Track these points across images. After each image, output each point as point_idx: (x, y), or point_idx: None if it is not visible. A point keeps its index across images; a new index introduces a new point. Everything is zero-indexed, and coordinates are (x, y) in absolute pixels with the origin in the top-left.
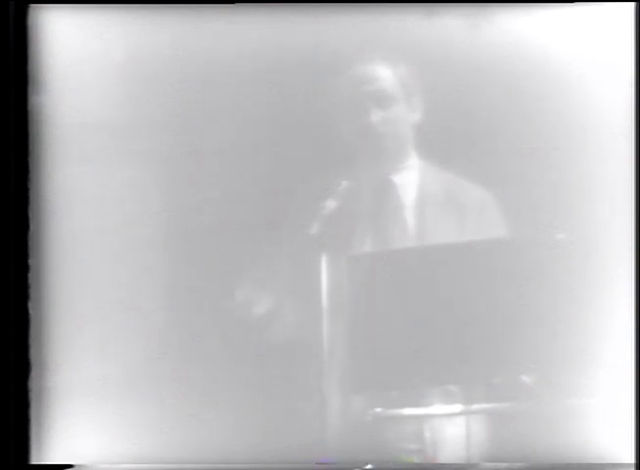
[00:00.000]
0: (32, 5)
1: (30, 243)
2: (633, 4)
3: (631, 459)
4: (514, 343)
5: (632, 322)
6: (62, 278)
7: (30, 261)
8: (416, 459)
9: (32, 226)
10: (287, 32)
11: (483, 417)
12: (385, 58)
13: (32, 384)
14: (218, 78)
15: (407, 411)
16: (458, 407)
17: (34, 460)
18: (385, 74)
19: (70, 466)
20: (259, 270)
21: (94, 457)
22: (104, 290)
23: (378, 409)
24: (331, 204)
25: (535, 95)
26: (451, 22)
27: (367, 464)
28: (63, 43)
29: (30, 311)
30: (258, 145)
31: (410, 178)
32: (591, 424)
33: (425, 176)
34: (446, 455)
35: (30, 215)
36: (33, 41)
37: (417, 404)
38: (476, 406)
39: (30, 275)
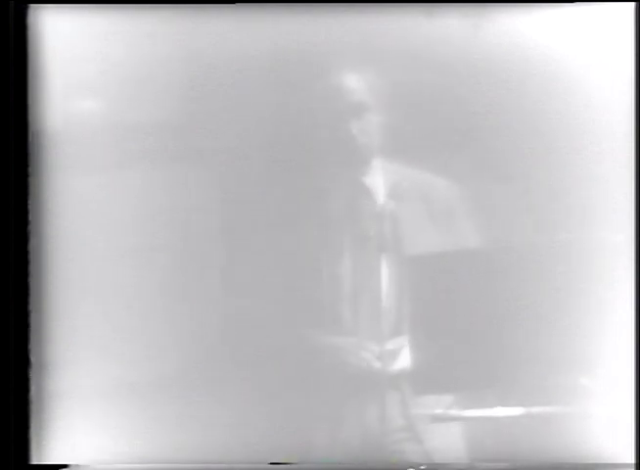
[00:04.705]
0: (32, 5)
1: (31, 242)
2: (633, 4)
3: (631, 459)
4: (513, 344)
5: (632, 322)
6: (63, 278)
7: (30, 260)
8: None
9: (33, 226)
10: (287, 32)
11: (482, 418)
12: (385, 58)
13: (32, 384)
14: (220, 78)
15: (403, 412)
16: (457, 409)
17: (34, 460)
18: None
19: (72, 467)
20: (263, 270)
21: (94, 457)
22: (105, 290)
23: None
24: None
25: (535, 95)
26: (451, 22)
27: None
28: (63, 43)
29: (31, 311)
30: (261, 145)
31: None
32: (591, 424)
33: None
34: (442, 456)
35: (30, 215)
36: (33, 41)
37: (413, 406)
38: (474, 408)
39: (31, 274)
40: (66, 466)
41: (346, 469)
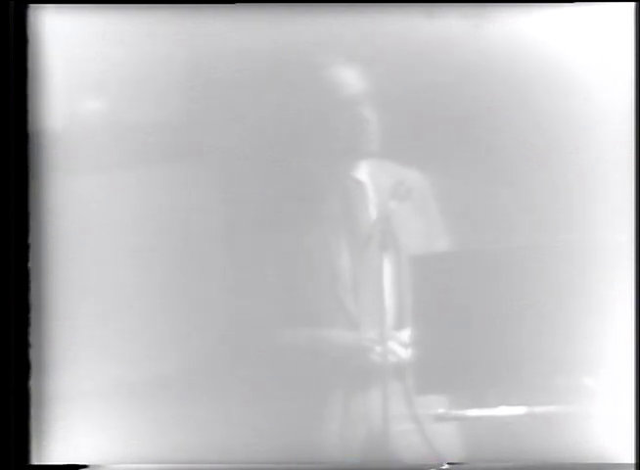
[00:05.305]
0: (32, 5)
1: (31, 243)
2: (633, 4)
3: (631, 459)
4: (513, 344)
5: (632, 322)
6: (63, 278)
7: (30, 260)
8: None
9: (33, 226)
10: (286, 32)
11: (482, 418)
12: (385, 58)
13: (33, 384)
14: (220, 78)
15: (398, 412)
16: (459, 409)
17: (34, 460)
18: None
19: (72, 467)
20: (263, 270)
21: (94, 458)
22: (105, 290)
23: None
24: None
25: (535, 95)
26: (452, 22)
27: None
28: (63, 43)
29: (31, 311)
30: (261, 145)
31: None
32: (592, 424)
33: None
34: (442, 455)
35: (31, 215)
36: (33, 41)
37: (412, 406)
38: (474, 408)
39: (31, 274)
40: (69, 467)
41: (350, 469)
